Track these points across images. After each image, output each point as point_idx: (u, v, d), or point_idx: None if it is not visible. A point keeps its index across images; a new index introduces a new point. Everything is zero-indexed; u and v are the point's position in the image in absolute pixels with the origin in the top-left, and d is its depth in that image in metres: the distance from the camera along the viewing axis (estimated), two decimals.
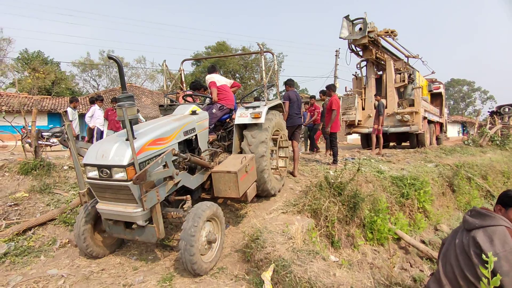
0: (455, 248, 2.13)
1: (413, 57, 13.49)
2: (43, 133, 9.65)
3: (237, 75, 34.78)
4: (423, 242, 5.48)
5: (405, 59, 13.22)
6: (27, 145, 6.34)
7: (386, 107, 10.49)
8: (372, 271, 3.79)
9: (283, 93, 6.38)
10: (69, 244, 3.92)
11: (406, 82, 11.63)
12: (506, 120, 18.77)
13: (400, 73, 11.84)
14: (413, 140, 11.79)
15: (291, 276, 2.77)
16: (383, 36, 11.07)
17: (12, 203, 4.44)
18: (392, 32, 10.93)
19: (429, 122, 12.79)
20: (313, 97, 9.87)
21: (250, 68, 35.70)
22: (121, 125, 5.90)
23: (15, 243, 3.76)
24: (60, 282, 3.12)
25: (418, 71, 13.12)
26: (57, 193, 4.94)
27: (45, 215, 4.29)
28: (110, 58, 2.96)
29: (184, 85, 5.93)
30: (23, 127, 6.41)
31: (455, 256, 2.09)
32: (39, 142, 6.14)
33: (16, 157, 5.85)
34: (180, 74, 5.76)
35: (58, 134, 10.07)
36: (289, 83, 6.37)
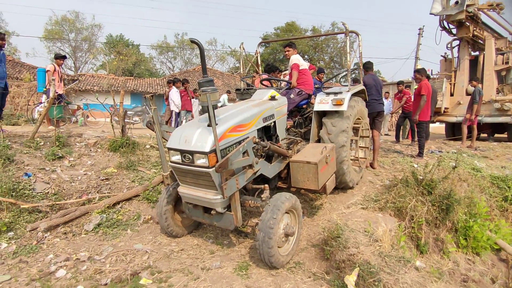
0: None
1: None
2: (127, 112, 10.50)
3: (306, 56, 33.72)
4: None
5: (509, 37, 11.20)
6: (114, 123, 6.89)
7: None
8: (467, 285, 3.28)
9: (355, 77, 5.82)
10: (151, 221, 4.15)
11: (510, 64, 9.87)
12: None
13: (502, 54, 10.09)
14: None
15: (380, 285, 2.48)
16: (485, 10, 9.44)
17: (104, 178, 4.85)
18: (497, 5, 9.23)
19: None
20: (401, 82, 8.97)
21: (320, 49, 34.32)
22: (198, 109, 6.05)
23: (106, 215, 4.10)
24: (145, 258, 3.30)
25: None
26: (141, 171, 5.27)
27: (131, 191, 4.60)
28: (192, 41, 2.89)
29: (260, 68, 5.76)
30: (112, 106, 6.96)
31: None
32: (125, 121, 6.61)
33: (106, 135, 6.39)
34: (256, 57, 5.60)
35: (140, 113, 10.85)
36: (368, 66, 5.77)
